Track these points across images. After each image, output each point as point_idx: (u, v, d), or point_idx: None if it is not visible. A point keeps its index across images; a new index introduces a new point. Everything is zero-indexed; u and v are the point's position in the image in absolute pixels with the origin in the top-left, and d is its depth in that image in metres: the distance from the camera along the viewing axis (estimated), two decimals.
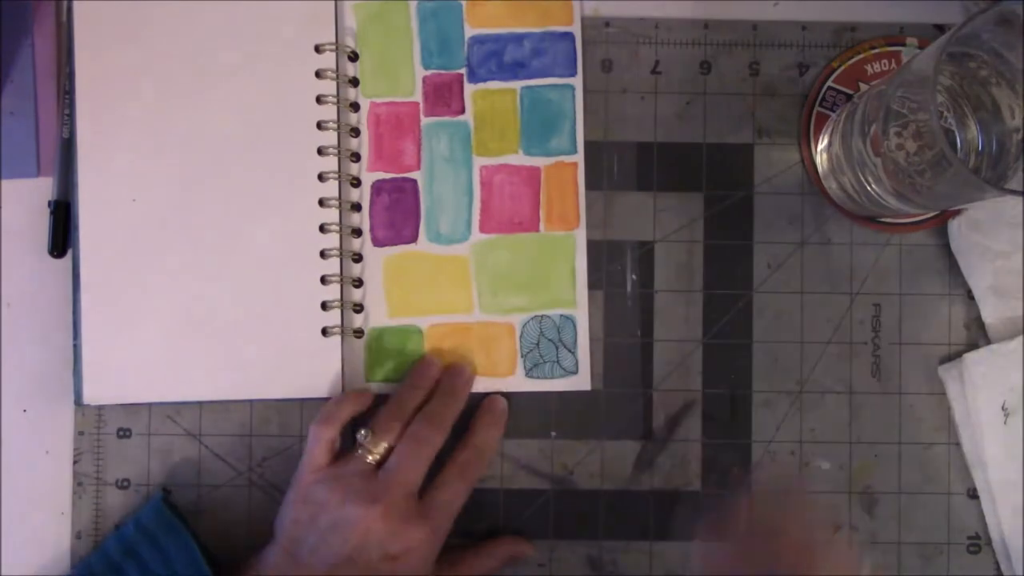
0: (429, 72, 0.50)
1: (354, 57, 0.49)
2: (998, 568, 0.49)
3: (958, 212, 0.49)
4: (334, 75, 0.48)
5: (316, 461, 0.45)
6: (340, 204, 0.48)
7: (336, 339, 0.48)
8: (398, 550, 0.43)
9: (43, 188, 0.49)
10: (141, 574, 0.44)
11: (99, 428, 0.49)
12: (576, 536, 0.49)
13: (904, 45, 0.50)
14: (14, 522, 0.48)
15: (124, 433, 0.49)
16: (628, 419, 0.49)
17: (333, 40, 0.49)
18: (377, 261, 0.49)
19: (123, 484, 0.49)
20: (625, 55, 0.50)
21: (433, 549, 0.44)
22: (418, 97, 0.50)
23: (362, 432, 0.45)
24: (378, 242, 0.49)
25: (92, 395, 0.48)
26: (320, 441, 0.46)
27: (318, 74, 0.48)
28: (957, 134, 0.44)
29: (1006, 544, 0.48)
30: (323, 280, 0.48)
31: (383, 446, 0.45)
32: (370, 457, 0.45)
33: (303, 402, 0.49)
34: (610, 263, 0.50)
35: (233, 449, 0.49)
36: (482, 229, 0.49)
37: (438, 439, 0.46)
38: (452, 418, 0.47)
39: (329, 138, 0.48)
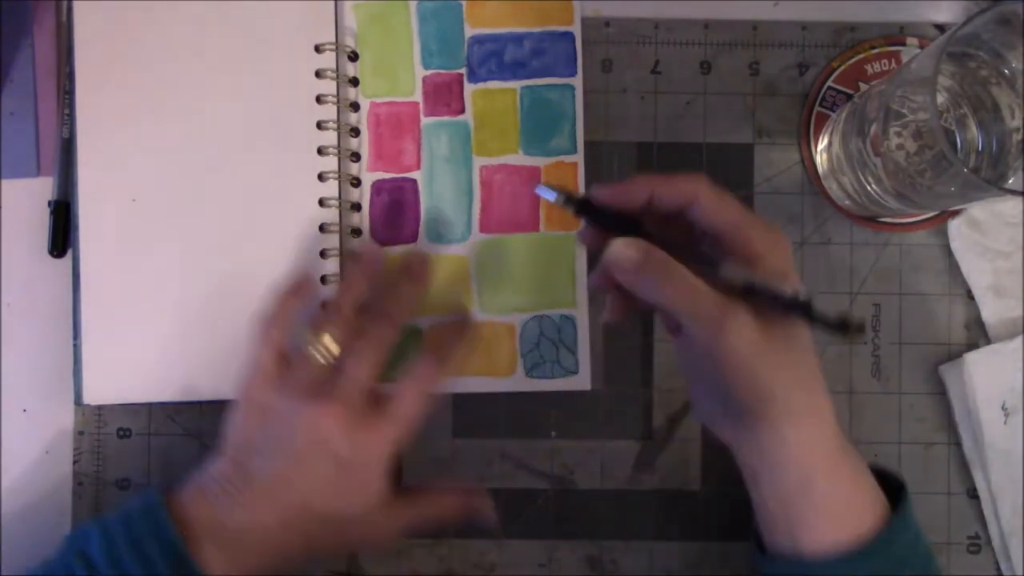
0: (429, 72, 0.50)
1: (354, 57, 0.49)
2: (998, 568, 0.49)
3: (958, 212, 0.49)
4: (334, 75, 0.48)
5: (262, 364, 0.43)
6: (340, 204, 0.48)
7: None
8: (350, 453, 0.41)
9: (43, 188, 0.49)
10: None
11: (99, 428, 0.49)
12: (576, 536, 0.49)
13: (904, 45, 0.50)
14: (14, 522, 0.48)
15: (124, 433, 0.49)
16: (628, 419, 0.49)
17: (333, 40, 0.49)
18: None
19: (123, 484, 0.49)
20: (625, 55, 0.50)
21: (386, 456, 0.42)
22: (418, 97, 0.50)
23: (303, 333, 0.43)
24: (378, 242, 0.49)
25: (92, 395, 0.48)
26: (264, 343, 0.43)
27: (318, 74, 0.48)
28: (957, 134, 0.44)
29: (1006, 544, 0.48)
30: (323, 280, 0.48)
31: (331, 344, 0.43)
32: (318, 356, 0.42)
33: None
34: None
35: None
36: (482, 229, 0.49)
37: (389, 334, 0.43)
38: (404, 312, 0.45)
39: (329, 138, 0.48)
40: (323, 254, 0.48)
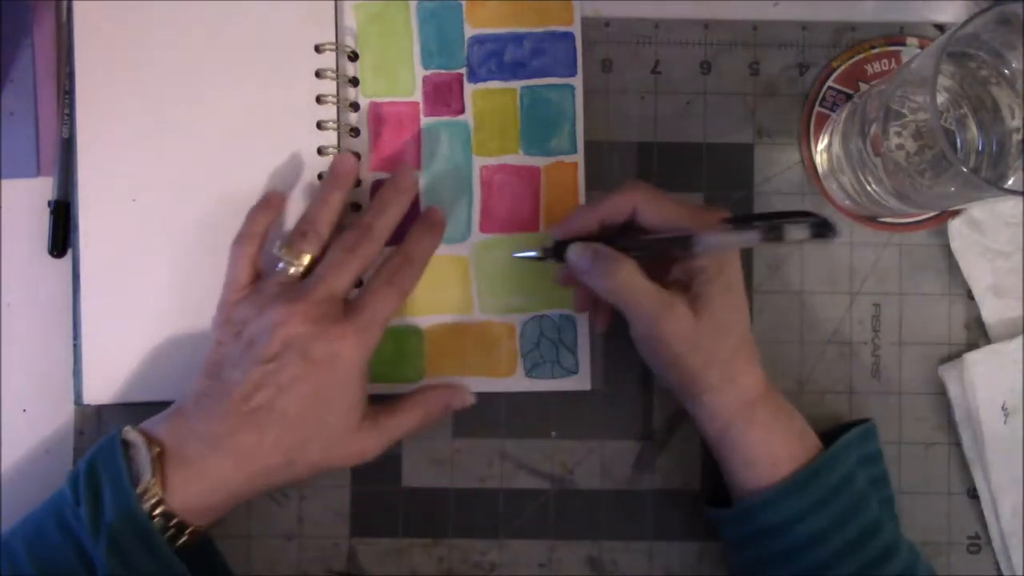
0: (429, 72, 0.50)
1: (354, 57, 0.49)
2: (998, 568, 0.49)
3: (958, 212, 0.49)
4: (334, 75, 0.48)
5: (238, 280, 0.44)
6: None
7: None
8: (322, 354, 0.41)
9: (43, 188, 0.49)
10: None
11: (99, 428, 0.49)
12: (576, 536, 0.49)
13: (904, 45, 0.50)
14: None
15: None
16: (628, 419, 0.49)
17: (333, 40, 0.49)
18: (378, 261, 0.49)
19: None
20: (625, 55, 0.50)
21: (360, 360, 0.42)
22: (418, 97, 0.50)
23: (277, 243, 0.44)
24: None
25: (92, 395, 0.48)
26: (239, 258, 0.44)
27: (318, 74, 0.48)
28: (957, 134, 0.44)
29: (1006, 544, 0.48)
30: None
31: (305, 257, 0.44)
32: (292, 269, 0.43)
33: None
34: None
35: None
36: (482, 229, 0.49)
37: (369, 249, 0.44)
38: (386, 229, 0.45)
39: (329, 138, 0.48)
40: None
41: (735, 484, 0.44)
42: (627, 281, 0.42)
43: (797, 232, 0.40)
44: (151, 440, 0.41)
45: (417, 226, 0.47)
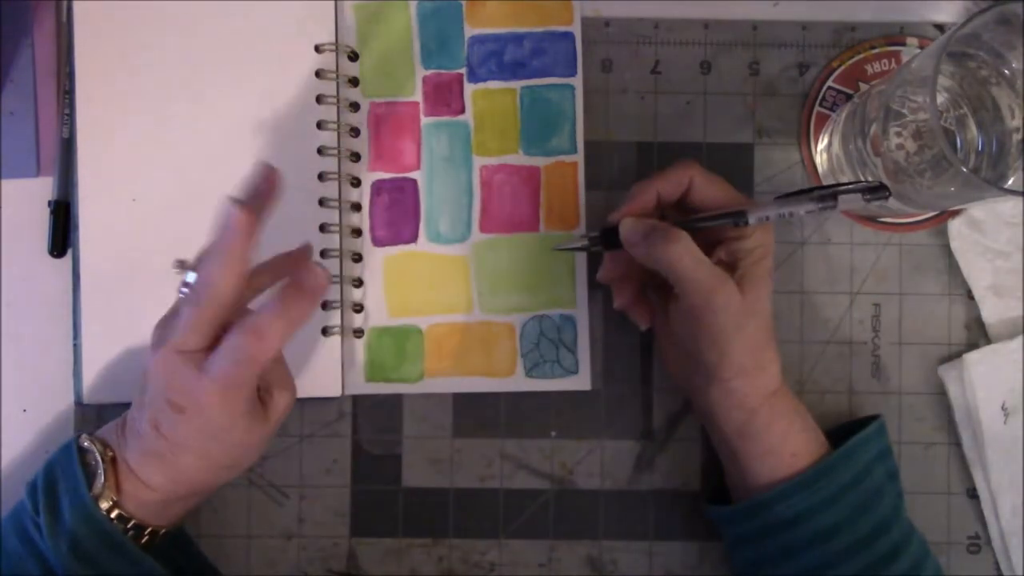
0: (429, 72, 0.50)
1: (354, 57, 0.49)
2: (998, 568, 0.49)
3: (958, 212, 0.49)
4: (334, 75, 0.48)
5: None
6: (340, 204, 0.48)
7: (336, 339, 0.48)
8: (182, 402, 0.39)
9: (43, 188, 0.49)
10: None
11: (99, 428, 0.48)
12: (576, 536, 0.49)
13: (904, 45, 0.50)
14: None
15: None
16: (628, 419, 0.49)
17: (333, 40, 0.49)
18: (377, 261, 0.49)
19: None
20: (625, 55, 0.50)
21: (227, 408, 0.39)
22: (418, 97, 0.50)
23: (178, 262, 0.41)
24: (378, 242, 0.49)
25: (92, 395, 0.48)
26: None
27: (318, 74, 0.48)
28: (957, 134, 0.44)
29: (1006, 544, 0.48)
30: None
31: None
32: (180, 294, 0.40)
33: (303, 402, 0.49)
34: None
35: None
36: (482, 229, 0.49)
37: (223, 294, 0.38)
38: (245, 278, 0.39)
39: (329, 138, 0.48)
40: (323, 254, 0.48)
41: (749, 477, 0.43)
42: (684, 251, 0.41)
43: (851, 196, 0.41)
44: (105, 446, 0.41)
45: (278, 296, 0.39)
